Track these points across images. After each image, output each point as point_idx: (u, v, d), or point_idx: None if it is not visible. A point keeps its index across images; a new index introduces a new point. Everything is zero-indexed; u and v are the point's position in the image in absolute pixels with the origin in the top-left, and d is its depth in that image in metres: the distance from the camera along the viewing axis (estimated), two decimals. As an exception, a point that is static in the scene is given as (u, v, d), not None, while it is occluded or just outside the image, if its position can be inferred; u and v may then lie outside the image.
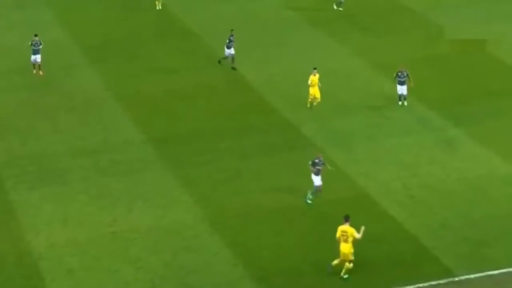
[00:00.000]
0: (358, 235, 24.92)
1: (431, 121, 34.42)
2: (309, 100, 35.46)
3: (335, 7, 46.91)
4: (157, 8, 47.77)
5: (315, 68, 35.55)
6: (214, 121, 34.95)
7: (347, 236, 24.93)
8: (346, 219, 25.11)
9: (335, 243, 25.21)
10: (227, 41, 39.63)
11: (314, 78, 35.34)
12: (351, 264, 25.16)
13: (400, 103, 35.54)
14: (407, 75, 35.18)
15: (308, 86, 35.21)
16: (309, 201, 29.16)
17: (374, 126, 34.16)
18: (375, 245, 26.38)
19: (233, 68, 39.56)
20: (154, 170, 31.42)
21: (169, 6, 48.16)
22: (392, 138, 33.20)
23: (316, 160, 29.09)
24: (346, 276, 25.29)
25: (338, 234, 25.16)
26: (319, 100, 35.31)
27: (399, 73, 35.26)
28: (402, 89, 35.29)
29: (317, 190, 29.21)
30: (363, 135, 33.47)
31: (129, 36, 44.28)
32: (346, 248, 25.03)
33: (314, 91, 35.16)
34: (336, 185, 30.00)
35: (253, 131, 34.06)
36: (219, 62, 40.13)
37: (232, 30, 40.03)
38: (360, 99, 36.34)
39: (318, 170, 29.03)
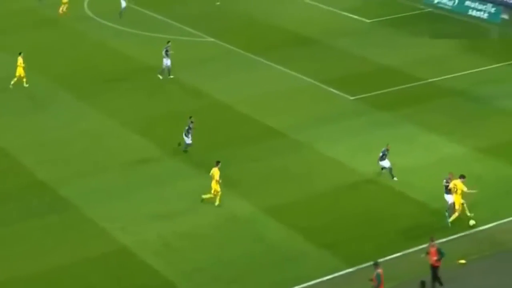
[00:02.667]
0: None
1: (182, 170, 35.14)
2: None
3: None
4: None
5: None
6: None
7: None
8: None
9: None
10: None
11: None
12: None
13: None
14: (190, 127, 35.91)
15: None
16: None
17: (129, 181, 34.42)
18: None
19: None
20: None
21: None
22: (146, 190, 33.59)
23: None
24: None
25: None
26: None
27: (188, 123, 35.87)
28: (187, 140, 36.06)
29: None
30: (119, 191, 33.61)
31: None
32: None
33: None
34: (94, 242, 30.06)
35: (8, 197, 33.22)
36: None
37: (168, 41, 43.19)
38: (114, 157, 36.40)
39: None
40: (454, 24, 53.70)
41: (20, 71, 42.80)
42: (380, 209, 32.12)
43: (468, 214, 30.88)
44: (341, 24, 53.76)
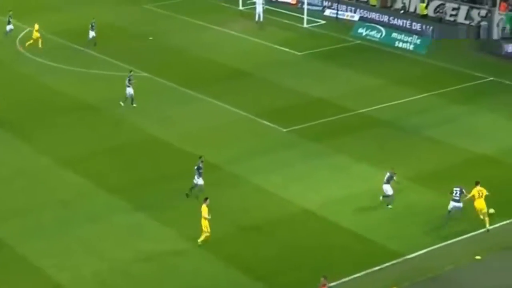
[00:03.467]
0: None
1: (118, 206, 34.69)
2: None
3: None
4: None
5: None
6: None
7: None
8: None
9: None
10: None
11: None
12: None
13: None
14: None
15: None
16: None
17: (64, 218, 33.82)
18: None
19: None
20: None
21: None
22: (82, 226, 33.03)
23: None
24: None
25: None
26: None
27: None
28: None
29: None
30: (54, 228, 32.96)
31: None
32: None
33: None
34: (29, 280, 29.41)
35: None
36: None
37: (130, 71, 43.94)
38: (48, 195, 35.76)
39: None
40: (382, 56, 54.56)
41: None
42: (314, 239, 32.18)
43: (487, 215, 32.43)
44: (273, 57, 54.13)
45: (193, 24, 61.14)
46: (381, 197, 34.65)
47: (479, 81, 49.44)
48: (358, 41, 57.44)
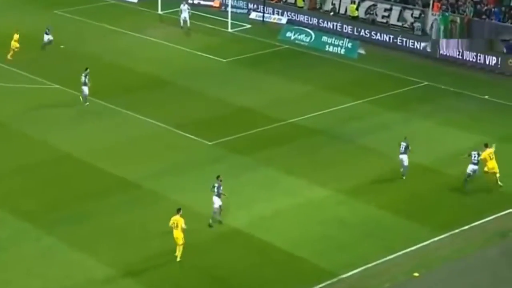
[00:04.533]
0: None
1: (26, 233, 33.98)
2: None
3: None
4: None
5: None
6: None
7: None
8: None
9: None
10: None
11: None
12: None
13: None
14: None
15: None
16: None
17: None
18: None
19: None
20: None
21: None
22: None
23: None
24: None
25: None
26: None
27: None
28: None
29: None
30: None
31: None
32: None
33: None
34: None
35: None
36: None
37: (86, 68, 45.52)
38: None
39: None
40: (312, 61, 54.96)
41: None
42: (243, 259, 32.08)
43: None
44: (195, 65, 53.98)
45: (109, 30, 60.61)
46: (401, 169, 37.94)
47: (413, 86, 50.22)
48: (286, 46, 57.74)
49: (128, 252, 32.43)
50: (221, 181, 34.54)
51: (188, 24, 60.20)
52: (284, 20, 62.04)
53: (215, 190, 34.32)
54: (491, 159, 36.94)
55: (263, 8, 62.82)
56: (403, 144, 37.91)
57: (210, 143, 42.13)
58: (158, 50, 56.51)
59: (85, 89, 46.38)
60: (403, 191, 37.09)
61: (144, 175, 38.46)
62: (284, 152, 40.93)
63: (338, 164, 39.78)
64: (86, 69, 46.77)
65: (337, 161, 40.12)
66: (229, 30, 60.47)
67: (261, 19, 62.84)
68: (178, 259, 31.73)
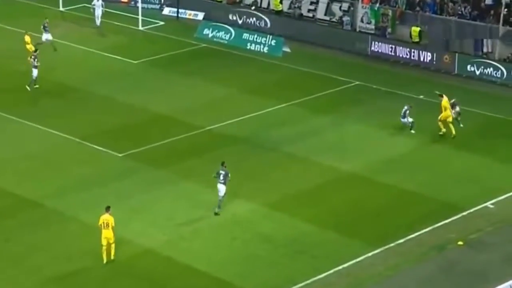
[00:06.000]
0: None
1: None
2: None
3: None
4: None
5: None
6: None
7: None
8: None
9: None
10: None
11: None
12: None
13: None
14: None
15: None
16: None
17: None
18: None
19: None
20: None
21: None
22: None
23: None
24: None
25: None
26: None
27: None
28: None
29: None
30: None
31: None
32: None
33: None
34: None
35: None
36: None
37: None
38: None
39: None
40: (232, 61, 55.25)
41: None
42: (162, 282, 32.07)
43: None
44: (102, 67, 53.77)
45: (4, 30, 59.85)
46: (412, 131, 43.97)
47: (344, 86, 50.93)
48: (204, 44, 57.92)
49: (30, 280, 32.12)
50: (225, 167, 36.43)
51: (98, 23, 59.92)
52: (200, 16, 62.19)
53: (221, 177, 36.23)
54: (446, 109, 43.64)
55: (177, 3, 62.86)
56: (405, 108, 44.33)
57: (120, 155, 41.99)
58: (60, 51, 56.00)
59: (35, 72, 49.43)
60: (333, 202, 37.52)
61: (47, 193, 38.08)
62: (203, 163, 40.94)
63: (263, 175, 40.06)
64: (36, 51, 49.95)
65: (262, 172, 40.40)
66: (140, 28, 60.34)
67: (175, 15, 62.90)
68: (112, 257, 32.89)
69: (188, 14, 62.96)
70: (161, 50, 56.54)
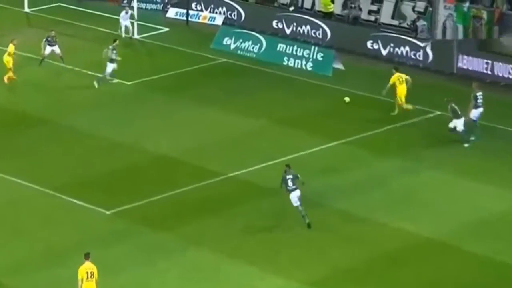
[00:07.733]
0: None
1: None
2: None
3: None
4: None
5: None
6: None
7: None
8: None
9: None
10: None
11: None
12: None
13: None
14: None
15: None
16: None
17: None
18: None
19: None
20: None
21: None
22: None
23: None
24: None
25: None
26: None
27: None
28: None
29: None
30: None
31: None
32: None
33: None
34: None
35: None
36: None
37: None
38: None
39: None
40: (263, 81, 55.86)
41: None
42: None
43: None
44: (81, 91, 54.47)
45: None
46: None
47: (418, 118, 51.23)
48: (224, 59, 58.66)
49: None
50: (290, 167, 40.58)
51: (130, 33, 61.23)
52: (219, 19, 62.67)
53: (290, 183, 39.92)
54: (400, 83, 50.31)
55: (187, 2, 63.31)
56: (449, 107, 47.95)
57: (108, 212, 42.38)
58: (25, 67, 56.72)
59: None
60: (404, 281, 37.52)
61: (5, 268, 38.37)
62: (221, 223, 41.28)
63: (305, 241, 40.02)
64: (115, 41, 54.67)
65: (303, 236, 40.34)
66: (135, 36, 61.06)
67: (185, 18, 63.39)
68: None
69: (202, 17, 63.22)
70: (163, 67, 57.22)
